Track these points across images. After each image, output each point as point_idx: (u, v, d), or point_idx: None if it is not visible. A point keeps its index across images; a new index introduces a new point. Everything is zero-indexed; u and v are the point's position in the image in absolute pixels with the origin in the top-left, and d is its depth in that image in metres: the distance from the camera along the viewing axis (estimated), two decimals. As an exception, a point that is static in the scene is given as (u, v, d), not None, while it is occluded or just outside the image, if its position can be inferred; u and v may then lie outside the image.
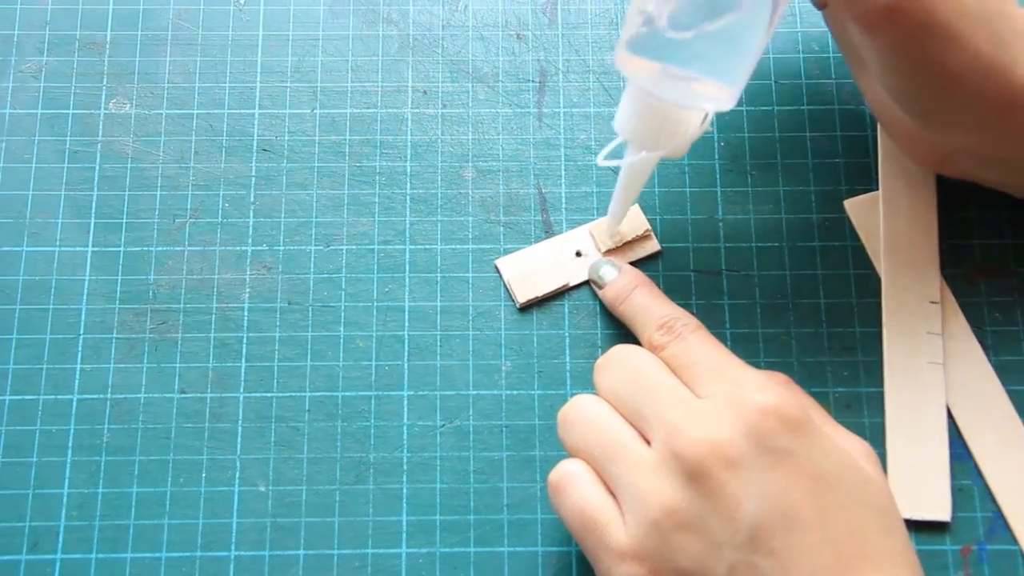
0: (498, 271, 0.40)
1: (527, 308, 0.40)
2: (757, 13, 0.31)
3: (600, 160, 0.35)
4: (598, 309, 0.40)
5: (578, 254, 0.40)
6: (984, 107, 0.33)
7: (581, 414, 0.34)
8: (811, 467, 0.30)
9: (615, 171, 0.41)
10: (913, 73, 0.33)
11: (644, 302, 0.37)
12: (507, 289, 0.40)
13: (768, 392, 0.31)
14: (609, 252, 0.40)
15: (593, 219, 0.41)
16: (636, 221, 0.40)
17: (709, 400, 0.31)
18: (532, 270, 0.40)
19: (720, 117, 0.42)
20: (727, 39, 0.31)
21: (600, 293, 0.39)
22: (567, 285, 0.40)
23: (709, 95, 0.32)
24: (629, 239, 0.40)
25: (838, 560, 0.29)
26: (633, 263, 0.40)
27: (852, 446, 0.32)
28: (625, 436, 0.32)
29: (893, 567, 0.29)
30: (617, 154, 0.35)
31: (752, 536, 0.29)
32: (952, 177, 0.39)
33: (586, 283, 0.40)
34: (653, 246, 0.40)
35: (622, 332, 0.39)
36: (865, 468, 0.31)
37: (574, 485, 0.33)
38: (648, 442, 0.32)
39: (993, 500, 0.37)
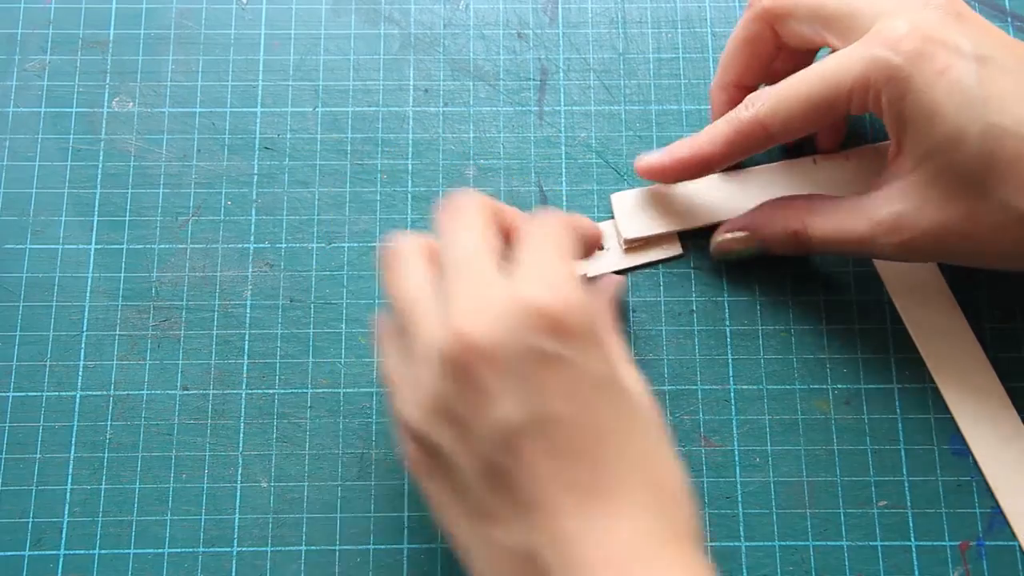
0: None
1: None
2: None
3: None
4: (599, 306, 0.40)
5: (600, 248, 0.40)
6: None
7: (399, 260, 0.33)
8: (578, 375, 0.29)
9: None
10: None
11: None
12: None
13: (554, 291, 0.29)
14: (630, 249, 0.40)
15: (595, 216, 0.41)
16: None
17: (502, 287, 0.30)
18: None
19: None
20: None
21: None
22: (583, 276, 0.40)
23: None
24: (654, 233, 0.40)
25: (582, 466, 0.28)
26: (653, 264, 0.40)
27: (633, 374, 0.32)
28: (423, 304, 0.31)
29: (634, 485, 0.29)
30: None
31: (504, 435, 0.28)
32: None
33: (598, 278, 0.40)
34: (675, 249, 0.40)
35: (622, 328, 0.39)
36: (639, 393, 0.31)
37: (384, 342, 0.34)
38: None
39: (992, 496, 0.37)
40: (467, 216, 0.32)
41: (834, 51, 0.35)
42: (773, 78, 0.38)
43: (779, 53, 0.39)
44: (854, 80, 0.34)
